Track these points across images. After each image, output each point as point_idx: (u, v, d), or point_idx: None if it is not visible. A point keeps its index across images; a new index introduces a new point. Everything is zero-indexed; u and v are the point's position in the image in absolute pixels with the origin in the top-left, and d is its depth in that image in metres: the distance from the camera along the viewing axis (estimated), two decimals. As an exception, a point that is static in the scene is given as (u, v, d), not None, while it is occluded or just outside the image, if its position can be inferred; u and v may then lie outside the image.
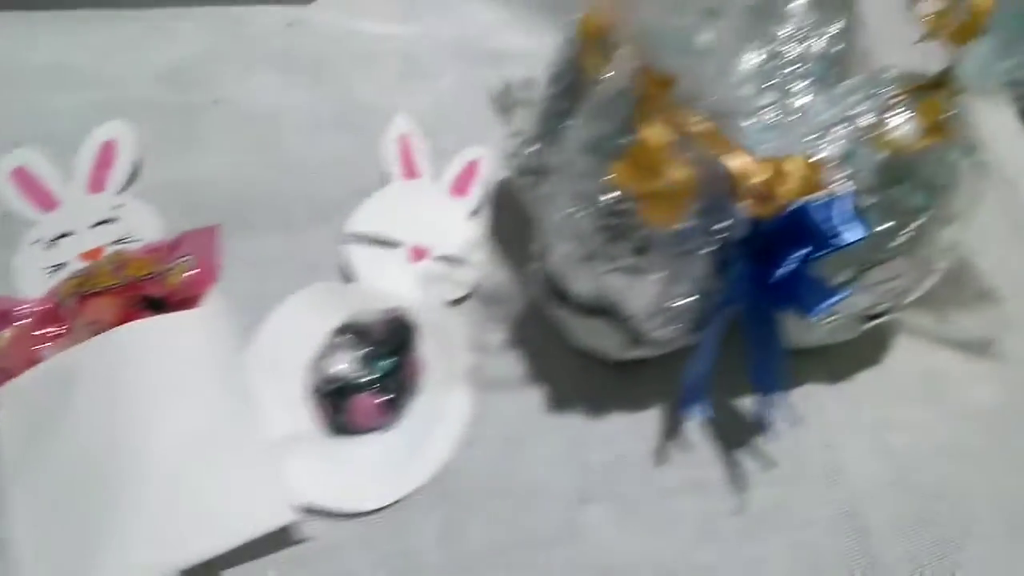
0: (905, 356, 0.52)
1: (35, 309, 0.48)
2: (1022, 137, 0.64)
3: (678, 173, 0.36)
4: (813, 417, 0.49)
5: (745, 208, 0.39)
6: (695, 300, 0.43)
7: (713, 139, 0.38)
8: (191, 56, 0.67)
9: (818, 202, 0.40)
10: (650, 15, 0.35)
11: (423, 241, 0.54)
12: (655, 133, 0.36)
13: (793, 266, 0.40)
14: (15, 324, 0.48)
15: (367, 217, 0.54)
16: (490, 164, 0.58)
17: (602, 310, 0.44)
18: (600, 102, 0.41)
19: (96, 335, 0.46)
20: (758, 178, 0.38)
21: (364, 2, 0.72)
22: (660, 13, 0.35)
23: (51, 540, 0.41)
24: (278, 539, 0.42)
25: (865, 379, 0.51)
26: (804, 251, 0.40)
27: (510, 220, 0.55)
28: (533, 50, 0.51)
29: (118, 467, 0.42)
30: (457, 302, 0.52)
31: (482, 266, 0.54)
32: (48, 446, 0.43)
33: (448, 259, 0.53)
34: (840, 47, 0.48)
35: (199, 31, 0.68)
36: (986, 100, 0.41)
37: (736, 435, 0.47)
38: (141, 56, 0.66)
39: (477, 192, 0.57)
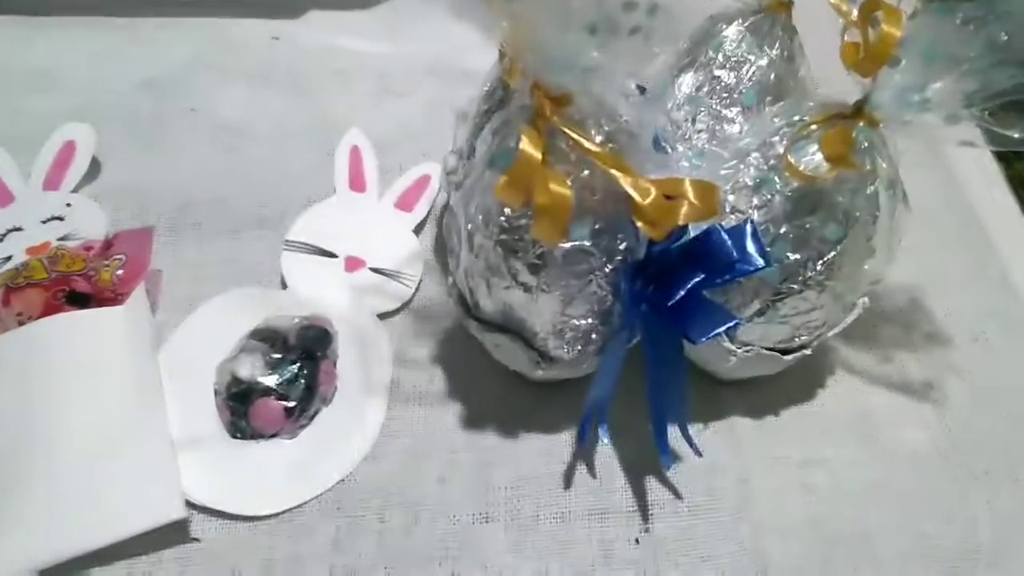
0: (839, 394, 0.51)
1: (-29, 299, 0.49)
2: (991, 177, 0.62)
3: (557, 189, 0.36)
4: (731, 450, 0.48)
5: (641, 230, 0.39)
6: (596, 322, 0.42)
7: (607, 159, 0.38)
8: (174, 65, 0.68)
9: (720, 228, 0.40)
10: (542, 33, 0.35)
11: (360, 252, 0.54)
12: (530, 148, 0.36)
13: (687, 290, 0.39)
14: (-48, 311, 0.49)
15: (307, 226, 0.55)
16: (438, 183, 0.58)
17: (507, 327, 0.44)
18: (505, 117, 0.41)
19: (21, 325, 0.47)
20: (650, 199, 0.37)
21: (347, 19, 0.74)
22: (551, 31, 0.35)
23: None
24: (169, 536, 0.42)
25: (793, 415, 0.50)
26: (701, 276, 0.40)
27: (450, 240, 0.55)
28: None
29: (22, 451, 0.43)
30: (387, 315, 0.52)
31: (416, 281, 0.54)
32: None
33: (383, 272, 0.53)
34: (773, 75, 0.48)
35: (185, 41, 0.70)
36: (952, 126, 0.39)
37: (646, 463, 0.46)
38: (125, 63, 0.68)
39: (423, 208, 0.57)
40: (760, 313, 0.44)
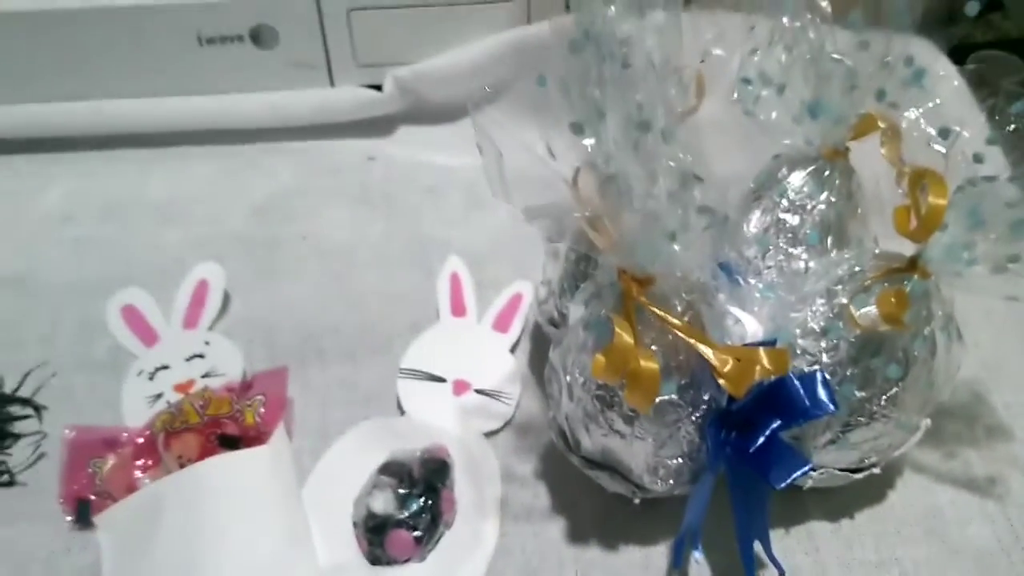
0: (908, 493, 0.55)
1: (134, 440, 0.57)
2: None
3: (647, 367, 0.42)
4: (811, 555, 0.53)
5: (722, 386, 0.44)
6: (685, 461, 0.48)
7: (689, 332, 0.44)
8: (282, 190, 0.76)
9: (793, 378, 0.45)
10: (631, 236, 0.41)
11: (465, 376, 0.60)
12: (623, 336, 0.42)
13: (766, 437, 0.45)
14: (118, 452, 0.57)
15: (418, 353, 0.62)
16: (531, 300, 0.64)
17: (606, 465, 0.50)
18: (596, 286, 0.47)
19: (182, 468, 0.54)
20: (728, 367, 0.43)
21: (436, 134, 0.80)
22: (637, 236, 0.41)
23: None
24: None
25: (865, 517, 0.54)
26: (778, 423, 0.45)
27: (543, 356, 0.61)
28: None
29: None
30: (492, 434, 0.59)
31: (516, 399, 0.60)
32: (139, 565, 0.51)
33: (486, 393, 0.60)
34: (834, 213, 0.53)
35: (290, 165, 0.78)
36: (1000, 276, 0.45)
37: (735, 573, 0.52)
38: (235, 191, 0.76)
39: (517, 327, 0.63)
40: (832, 442, 0.49)
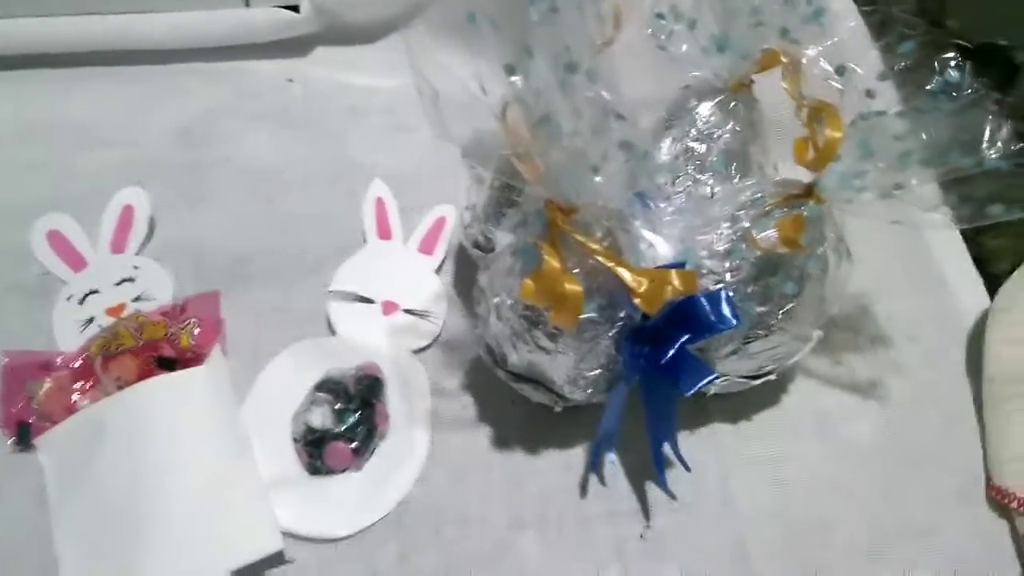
0: (800, 397, 0.62)
1: (70, 364, 0.58)
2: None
3: (572, 289, 0.46)
4: (714, 454, 0.58)
5: (636, 304, 0.49)
6: (602, 372, 0.52)
7: (608, 256, 0.47)
8: (203, 112, 0.76)
9: (700, 297, 0.49)
10: (556, 170, 0.44)
11: (393, 296, 0.63)
12: (552, 262, 0.45)
13: (676, 349, 0.49)
14: (53, 375, 0.58)
15: (347, 275, 0.64)
16: (454, 223, 0.67)
17: (531, 378, 0.54)
18: (523, 215, 0.51)
19: (120, 389, 0.56)
20: (643, 288, 0.47)
21: (355, 55, 0.81)
22: (564, 169, 0.44)
23: (88, 563, 0.51)
24: (267, 561, 0.52)
25: (762, 419, 0.60)
26: (687, 336, 0.50)
27: (468, 277, 0.64)
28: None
29: (140, 504, 0.52)
30: (421, 351, 0.62)
31: (442, 318, 0.63)
32: (83, 485, 0.53)
33: (414, 312, 0.63)
34: (739, 142, 0.57)
35: (208, 87, 0.77)
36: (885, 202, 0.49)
37: (645, 473, 0.57)
38: (156, 114, 0.75)
39: (441, 250, 0.66)
40: (733, 352, 0.54)
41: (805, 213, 0.50)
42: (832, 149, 0.47)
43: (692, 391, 0.48)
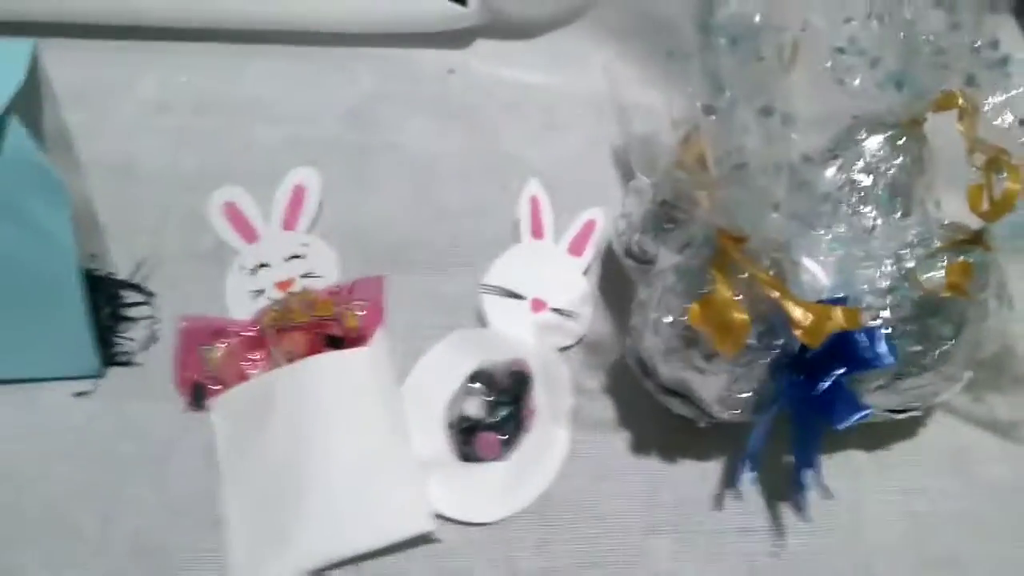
0: (938, 431, 0.62)
1: (243, 333, 0.63)
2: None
3: (739, 318, 0.47)
4: (849, 480, 0.59)
5: (796, 335, 0.50)
6: (752, 395, 0.54)
7: (774, 286, 0.49)
8: (366, 97, 0.79)
9: (858, 333, 0.51)
10: (735, 207, 0.46)
11: (542, 295, 0.66)
12: (723, 290, 0.47)
13: (831, 382, 0.51)
14: (227, 342, 0.63)
15: (499, 272, 0.67)
16: (603, 226, 0.69)
17: (679, 393, 0.56)
18: (688, 236, 0.52)
19: (291, 363, 0.60)
20: (808, 322, 0.49)
21: (513, 50, 0.83)
22: (743, 208, 0.46)
23: (252, 524, 0.55)
24: (418, 538, 0.56)
25: (899, 449, 0.61)
26: (842, 370, 0.51)
27: (614, 280, 0.67)
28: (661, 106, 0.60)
29: (303, 473, 0.56)
30: (565, 349, 0.64)
31: (588, 319, 0.66)
32: (251, 449, 0.58)
33: (561, 312, 0.65)
34: (905, 178, 0.57)
35: (373, 73, 0.81)
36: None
37: (778, 492, 0.59)
38: (327, 94, 0.79)
39: (589, 252, 0.68)
40: (881, 387, 0.55)
41: (972, 260, 0.51)
42: (1010, 201, 0.48)
43: (844, 425, 0.50)
